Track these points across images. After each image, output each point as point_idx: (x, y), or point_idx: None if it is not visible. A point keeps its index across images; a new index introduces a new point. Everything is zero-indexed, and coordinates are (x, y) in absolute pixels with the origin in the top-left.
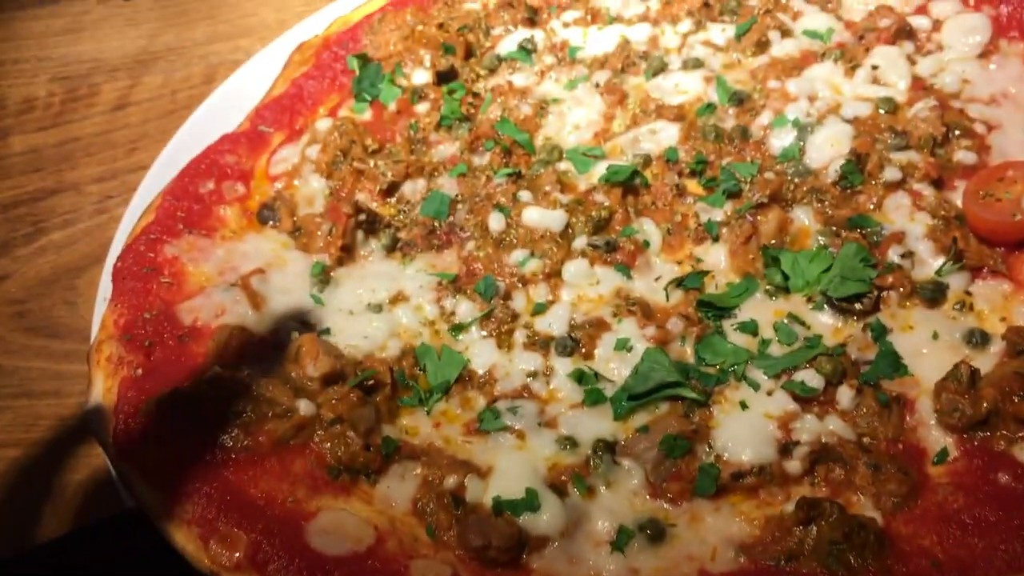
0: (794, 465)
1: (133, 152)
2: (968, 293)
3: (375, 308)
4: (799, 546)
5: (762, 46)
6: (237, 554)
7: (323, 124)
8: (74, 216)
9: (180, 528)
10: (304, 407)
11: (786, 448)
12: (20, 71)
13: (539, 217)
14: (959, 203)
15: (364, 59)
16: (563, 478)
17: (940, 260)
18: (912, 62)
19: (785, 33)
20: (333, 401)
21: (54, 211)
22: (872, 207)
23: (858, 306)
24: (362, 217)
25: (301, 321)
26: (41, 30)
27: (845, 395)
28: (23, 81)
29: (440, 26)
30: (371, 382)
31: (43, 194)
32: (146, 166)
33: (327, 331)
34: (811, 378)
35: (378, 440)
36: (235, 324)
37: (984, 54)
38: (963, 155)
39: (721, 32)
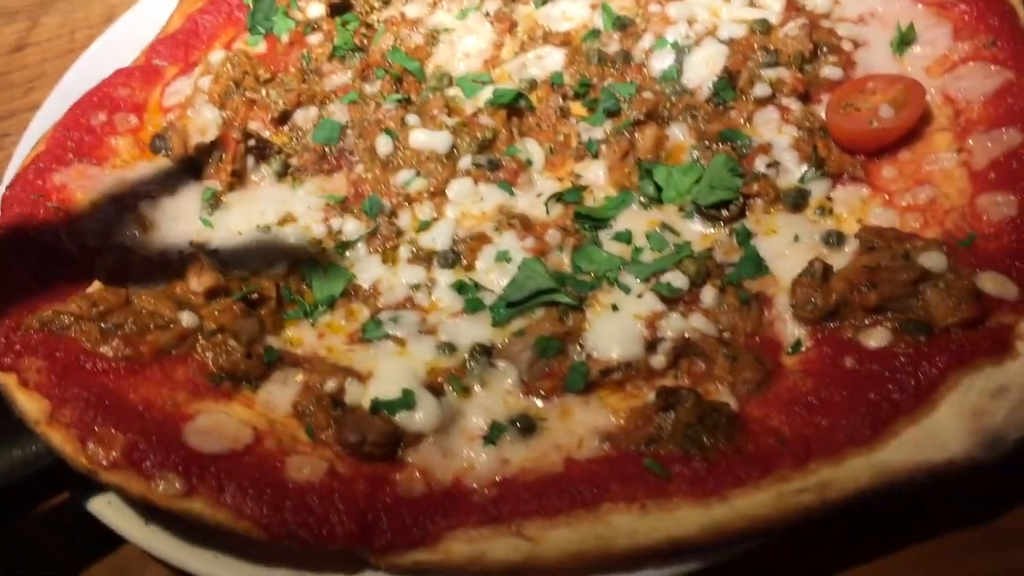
0: (659, 360)
1: (31, 92)
2: (829, 198)
3: (264, 229)
4: (658, 431)
5: None
6: (113, 453)
7: (216, 56)
8: None
9: (58, 431)
10: (187, 318)
11: (652, 345)
12: None
13: (425, 139)
14: (824, 116)
15: None
16: (440, 380)
17: (804, 168)
18: None
19: None
20: (216, 313)
21: None
22: (743, 122)
23: (725, 213)
24: (252, 143)
25: (190, 242)
26: None
27: (708, 294)
28: None
29: None
30: (255, 296)
31: None
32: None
33: (215, 252)
34: (676, 279)
35: (260, 349)
36: (122, 246)
37: None
38: (830, 71)
39: None
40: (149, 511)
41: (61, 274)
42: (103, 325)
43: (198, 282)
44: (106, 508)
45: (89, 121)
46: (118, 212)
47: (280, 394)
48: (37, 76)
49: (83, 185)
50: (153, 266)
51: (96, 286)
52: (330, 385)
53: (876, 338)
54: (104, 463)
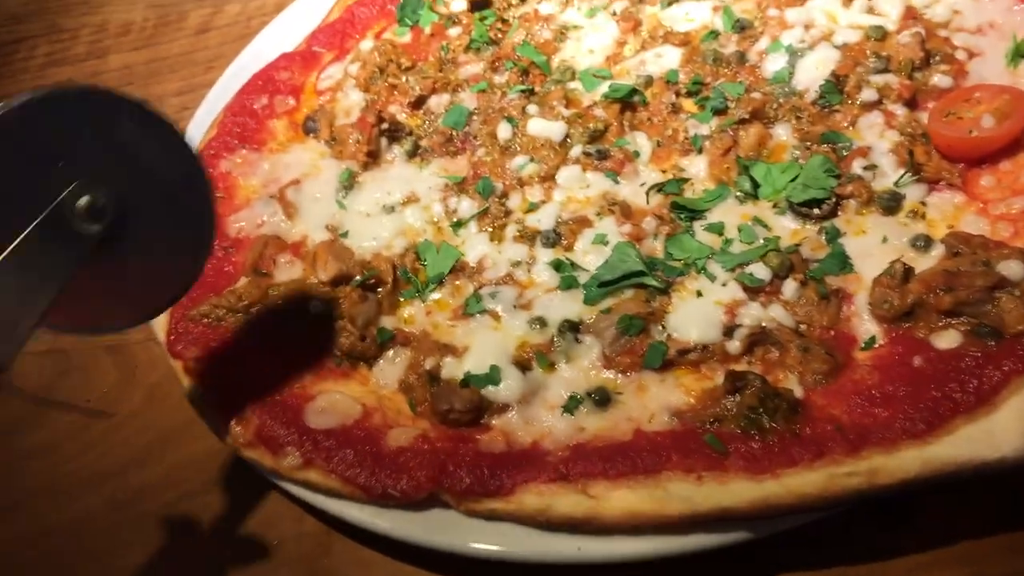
0: (734, 345)
1: (210, 70)
2: (923, 203)
3: (388, 209)
4: (723, 411)
5: None
6: (249, 433)
7: (366, 45)
8: None
9: (209, 410)
10: (313, 307)
11: (729, 331)
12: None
13: (542, 127)
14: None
15: None
16: (528, 355)
17: (900, 172)
18: None
19: None
20: (339, 300)
21: None
22: (847, 125)
23: (816, 211)
24: (385, 126)
25: (327, 226)
26: None
27: (790, 287)
28: (124, 8)
29: None
30: (373, 280)
31: None
32: None
33: (345, 234)
34: (760, 271)
35: (375, 331)
36: (271, 234)
37: None
38: (940, 79)
39: None
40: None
41: (221, 263)
42: (247, 317)
43: (324, 272)
44: None
45: (252, 105)
46: (269, 199)
47: (389, 371)
48: (216, 57)
49: (244, 172)
50: (293, 252)
51: (242, 281)
52: (429, 362)
53: (947, 340)
54: (242, 441)
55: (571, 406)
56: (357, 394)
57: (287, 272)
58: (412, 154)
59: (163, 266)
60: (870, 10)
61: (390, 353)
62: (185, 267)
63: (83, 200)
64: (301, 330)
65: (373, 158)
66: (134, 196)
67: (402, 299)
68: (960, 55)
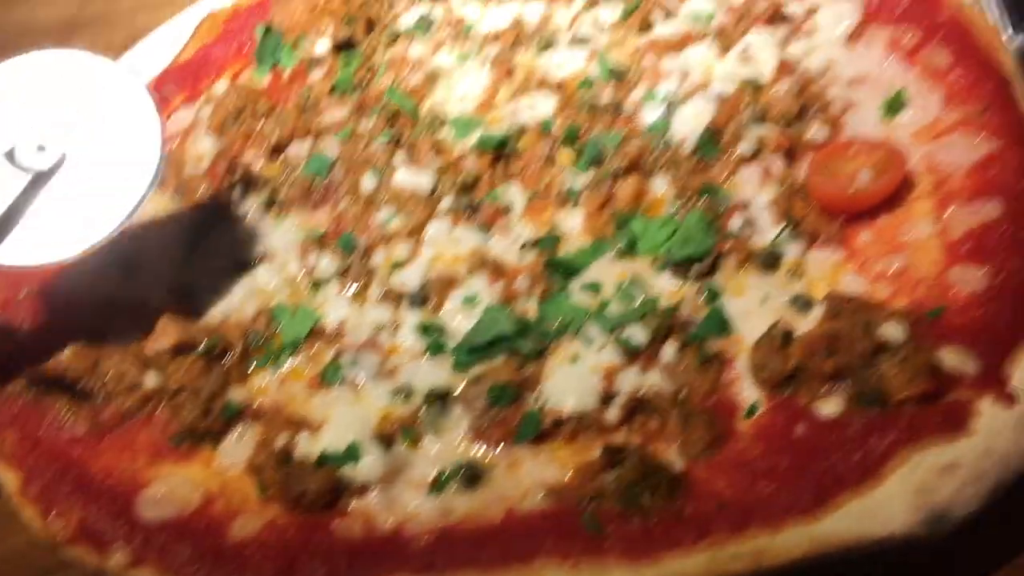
0: (612, 414)
1: None
2: (802, 261)
3: (240, 267)
4: (601, 488)
5: (646, 27)
6: (70, 528)
7: (220, 87)
8: None
9: (27, 505)
10: (151, 379)
11: (608, 398)
12: None
13: (409, 178)
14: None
15: (269, 29)
16: (392, 428)
17: (779, 228)
18: (784, 45)
19: (669, 15)
20: (178, 371)
21: None
22: (725, 178)
23: (695, 269)
24: (237, 176)
25: (169, 287)
26: None
27: (669, 351)
28: None
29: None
30: (219, 348)
31: None
32: None
33: (191, 295)
34: (637, 334)
35: (220, 405)
36: (105, 294)
37: (852, 38)
38: (816, 132)
39: (610, 12)
40: None
41: (51, 328)
42: (73, 394)
43: (162, 339)
44: None
45: None
46: (106, 255)
47: (237, 450)
48: None
49: None
50: (133, 315)
51: (68, 352)
52: (281, 439)
53: (829, 407)
54: (62, 537)
55: (439, 485)
56: (198, 478)
57: (121, 339)
58: (268, 206)
59: (107, 198)
60: (745, 61)
61: (238, 430)
62: (128, 200)
63: (32, 138)
64: (135, 406)
65: (224, 211)
66: (84, 134)
67: (253, 368)
68: (836, 107)
